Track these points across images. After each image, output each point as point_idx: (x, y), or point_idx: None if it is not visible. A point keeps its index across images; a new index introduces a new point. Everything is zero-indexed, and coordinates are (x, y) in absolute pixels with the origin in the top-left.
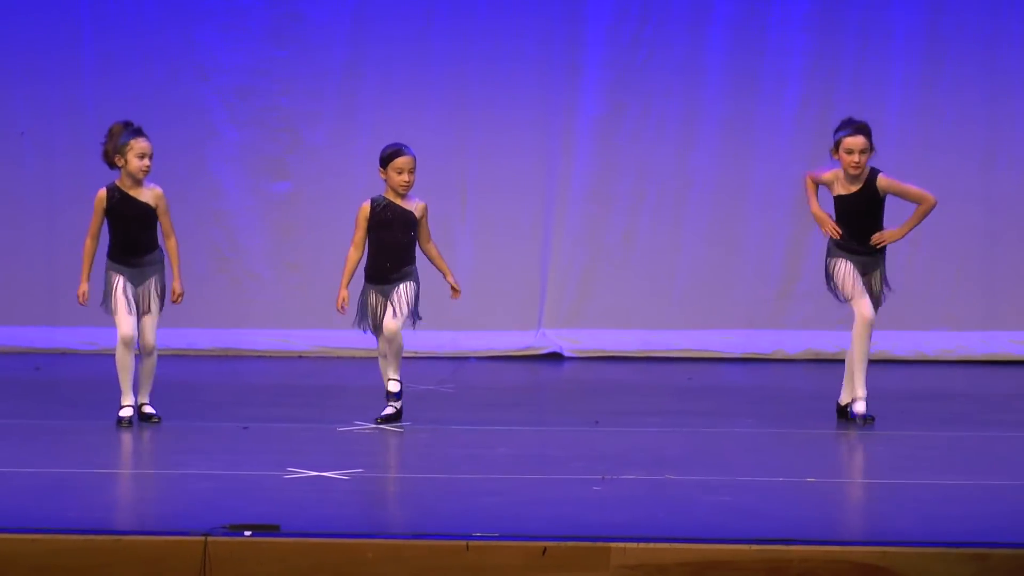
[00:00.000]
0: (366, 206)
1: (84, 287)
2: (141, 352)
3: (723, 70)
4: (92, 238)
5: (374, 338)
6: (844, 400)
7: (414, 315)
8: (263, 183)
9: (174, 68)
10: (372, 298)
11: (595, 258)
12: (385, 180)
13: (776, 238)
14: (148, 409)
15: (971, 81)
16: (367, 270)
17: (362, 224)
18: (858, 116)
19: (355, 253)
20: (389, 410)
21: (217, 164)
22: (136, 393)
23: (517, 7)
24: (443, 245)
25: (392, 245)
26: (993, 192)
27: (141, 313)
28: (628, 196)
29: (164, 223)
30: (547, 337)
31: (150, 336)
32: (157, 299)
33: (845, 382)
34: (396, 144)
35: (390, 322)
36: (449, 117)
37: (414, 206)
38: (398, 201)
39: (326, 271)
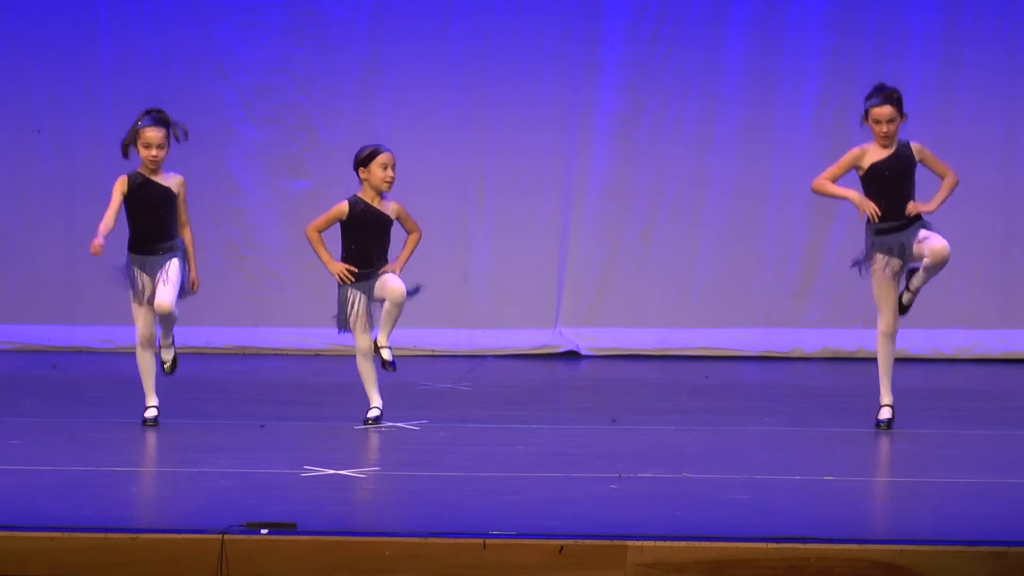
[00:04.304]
0: (344, 206)
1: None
2: (157, 317)
3: (741, 68)
4: (109, 219)
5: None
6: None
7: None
8: (281, 181)
9: (192, 65)
10: (353, 297)
11: (612, 256)
12: (365, 180)
13: (794, 236)
14: (164, 353)
15: (989, 80)
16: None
17: (332, 218)
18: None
19: (315, 232)
20: (375, 412)
21: (235, 162)
22: (160, 395)
23: (535, 4)
24: (460, 243)
25: (368, 249)
26: (1011, 190)
27: (156, 284)
28: (646, 194)
29: (181, 211)
30: (564, 335)
31: (165, 297)
32: (175, 274)
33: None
34: (372, 143)
35: (398, 286)
36: (467, 115)
37: (390, 208)
38: (375, 203)
39: None
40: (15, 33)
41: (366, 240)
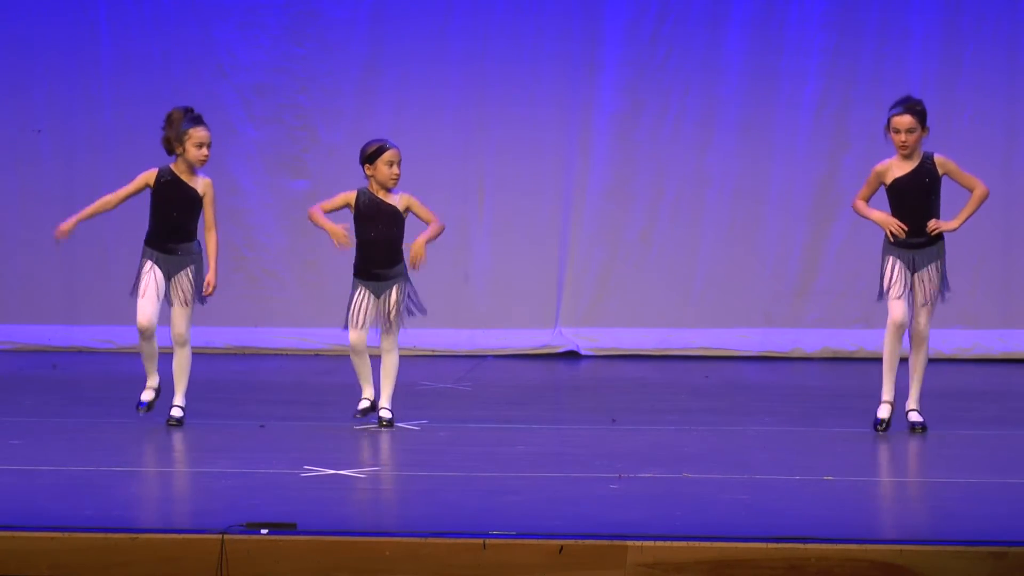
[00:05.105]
0: (352, 194)
1: (68, 225)
2: (173, 343)
3: (741, 68)
4: (113, 195)
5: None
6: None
7: (419, 308)
8: (281, 181)
9: (192, 66)
10: (363, 296)
11: (612, 256)
12: (371, 176)
13: (793, 236)
14: (175, 411)
15: (989, 80)
16: (356, 266)
17: (339, 202)
18: (913, 96)
19: (316, 208)
20: (364, 403)
21: (235, 162)
22: (160, 375)
23: (535, 4)
24: (460, 243)
25: (378, 241)
26: (1011, 190)
27: (172, 304)
28: (646, 194)
29: (208, 214)
30: (564, 335)
31: (180, 326)
32: (189, 291)
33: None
34: (378, 139)
35: (384, 339)
36: (467, 115)
37: (397, 200)
38: (381, 195)
39: (343, 269)
40: (15, 33)
41: (375, 233)
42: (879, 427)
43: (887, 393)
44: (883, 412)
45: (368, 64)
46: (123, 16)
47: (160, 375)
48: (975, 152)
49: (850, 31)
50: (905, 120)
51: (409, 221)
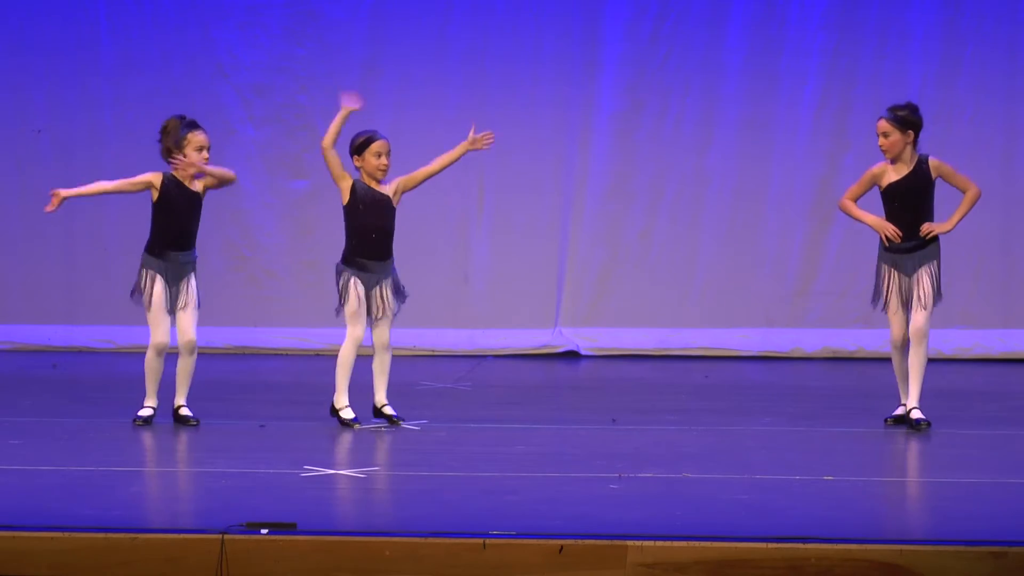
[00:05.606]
0: (350, 181)
1: (66, 192)
2: (181, 350)
3: (741, 68)
4: (112, 184)
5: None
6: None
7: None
8: (281, 181)
9: (192, 66)
10: (354, 284)
11: (612, 256)
12: (360, 167)
13: (793, 236)
14: (185, 411)
15: (989, 80)
16: (346, 256)
17: (341, 179)
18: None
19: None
20: (348, 413)
21: (235, 162)
22: (161, 396)
23: (535, 4)
24: (460, 243)
25: (373, 230)
26: (1011, 191)
27: (177, 308)
28: (646, 194)
29: (215, 170)
30: (564, 335)
31: (191, 331)
32: (196, 294)
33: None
34: (367, 130)
35: (383, 334)
36: (467, 114)
37: (389, 188)
38: (373, 185)
39: None
40: (15, 33)
41: (370, 223)
42: (888, 421)
43: (903, 398)
44: (897, 411)
45: (368, 64)
46: (123, 16)
47: (159, 396)
48: (975, 152)
49: (850, 31)
50: (880, 124)
51: (404, 210)
